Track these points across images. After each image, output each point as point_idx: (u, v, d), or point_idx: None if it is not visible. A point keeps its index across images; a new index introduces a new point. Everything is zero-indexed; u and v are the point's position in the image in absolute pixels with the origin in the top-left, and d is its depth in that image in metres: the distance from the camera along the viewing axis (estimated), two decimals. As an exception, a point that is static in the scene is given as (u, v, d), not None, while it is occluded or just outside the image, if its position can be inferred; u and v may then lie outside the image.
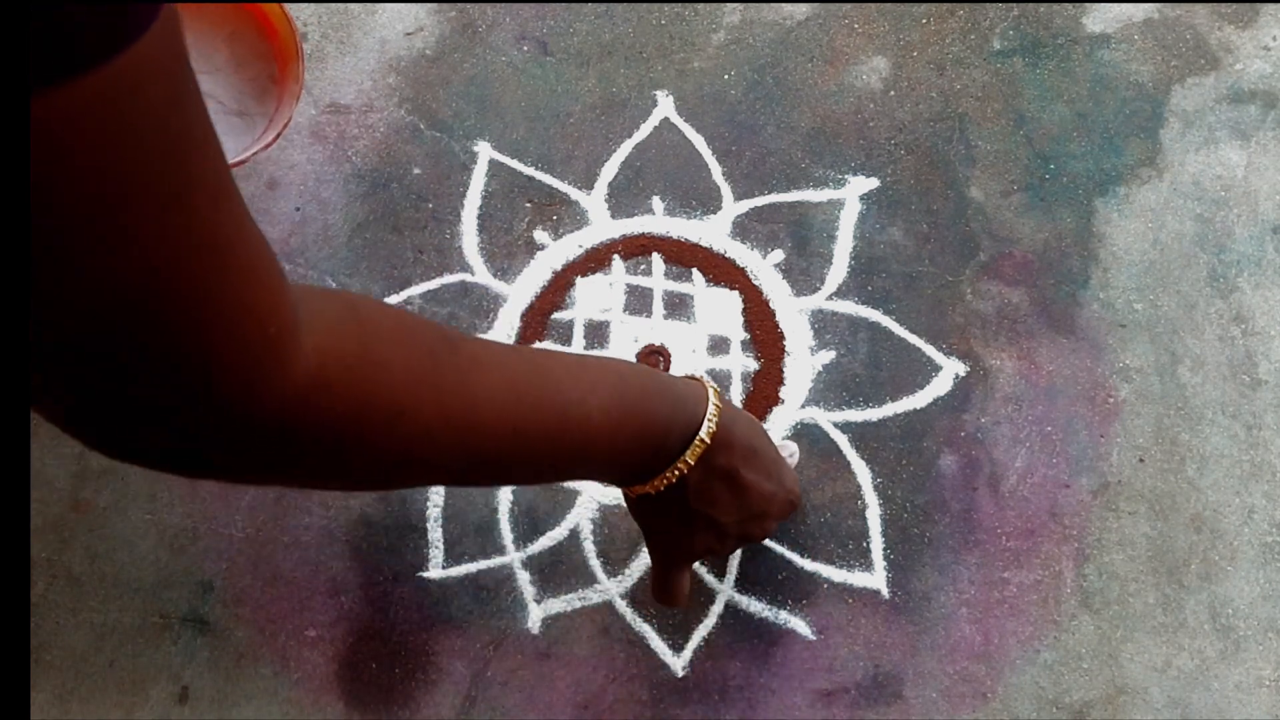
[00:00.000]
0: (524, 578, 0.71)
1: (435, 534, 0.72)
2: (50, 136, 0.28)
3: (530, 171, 0.79)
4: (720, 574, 0.70)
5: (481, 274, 0.77)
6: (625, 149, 0.79)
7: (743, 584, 0.70)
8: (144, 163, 0.30)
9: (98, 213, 0.30)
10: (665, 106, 0.80)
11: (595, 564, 0.71)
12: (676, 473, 0.53)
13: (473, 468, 0.47)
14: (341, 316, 0.40)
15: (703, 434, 0.53)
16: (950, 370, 0.73)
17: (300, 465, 0.41)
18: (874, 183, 0.77)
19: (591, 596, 0.70)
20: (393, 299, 0.77)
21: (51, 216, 0.29)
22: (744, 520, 0.57)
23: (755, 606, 0.69)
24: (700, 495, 0.54)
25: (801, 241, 0.77)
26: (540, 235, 0.78)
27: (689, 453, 0.52)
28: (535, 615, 0.70)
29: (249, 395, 0.36)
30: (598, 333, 0.76)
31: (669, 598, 0.61)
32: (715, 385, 0.56)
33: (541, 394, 0.47)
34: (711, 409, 0.53)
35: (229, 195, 0.34)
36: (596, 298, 0.76)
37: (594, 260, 0.77)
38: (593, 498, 0.72)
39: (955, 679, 0.67)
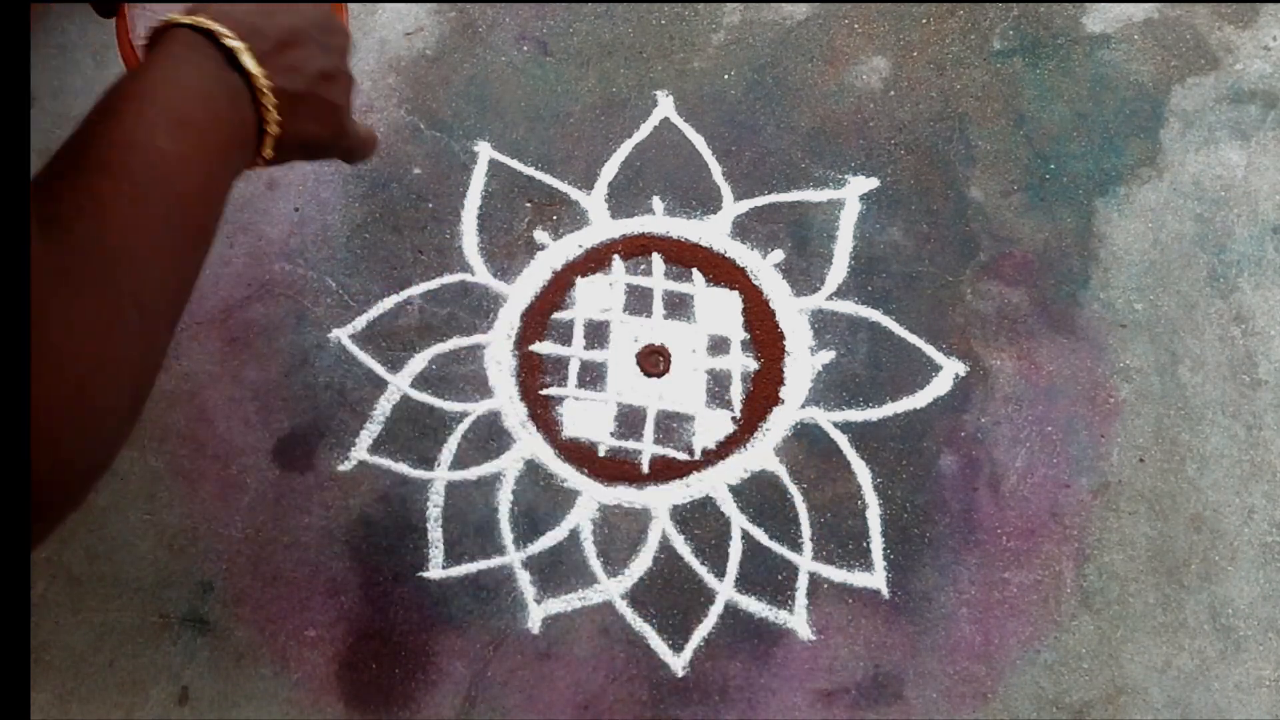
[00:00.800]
0: (524, 578, 0.71)
1: (435, 534, 0.72)
2: None
3: (530, 171, 0.79)
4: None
5: (481, 274, 0.77)
6: (625, 149, 0.79)
7: (743, 584, 0.70)
8: None
9: None
10: (665, 106, 0.80)
11: (595, 564, 0.71)
12: (265, 88, 0.48)
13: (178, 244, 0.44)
14: None
15: (230, 43, 0.47)
16: (950, 370, 0.73)
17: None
18: (874, 183, 0.77)
19: (591, 596, 0.70)
20: (392, 299, 0.77)
21: None
22: (328, 47, 0.52)
23: (755, 606, 0.69)
24: (290, 76, 0.49)
25: (801, 241, 0.77)
26: (540, 235, 0.78)
27: (246, 64, 0.47)
28: (535, 615, 0.70)
29: None
30: (598, 332, 0.76)
31: (367, 144, 0.56)
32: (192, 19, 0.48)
33: (135, 151, 0.44)
34: (207, 25, 0.47)
35: None
36: (596, 297, 0.76)
37: (594, 260, 0.77)
38: (593, 498, 0.72)
39: (955, 679, 0.67)
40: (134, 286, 0.43)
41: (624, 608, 0.70)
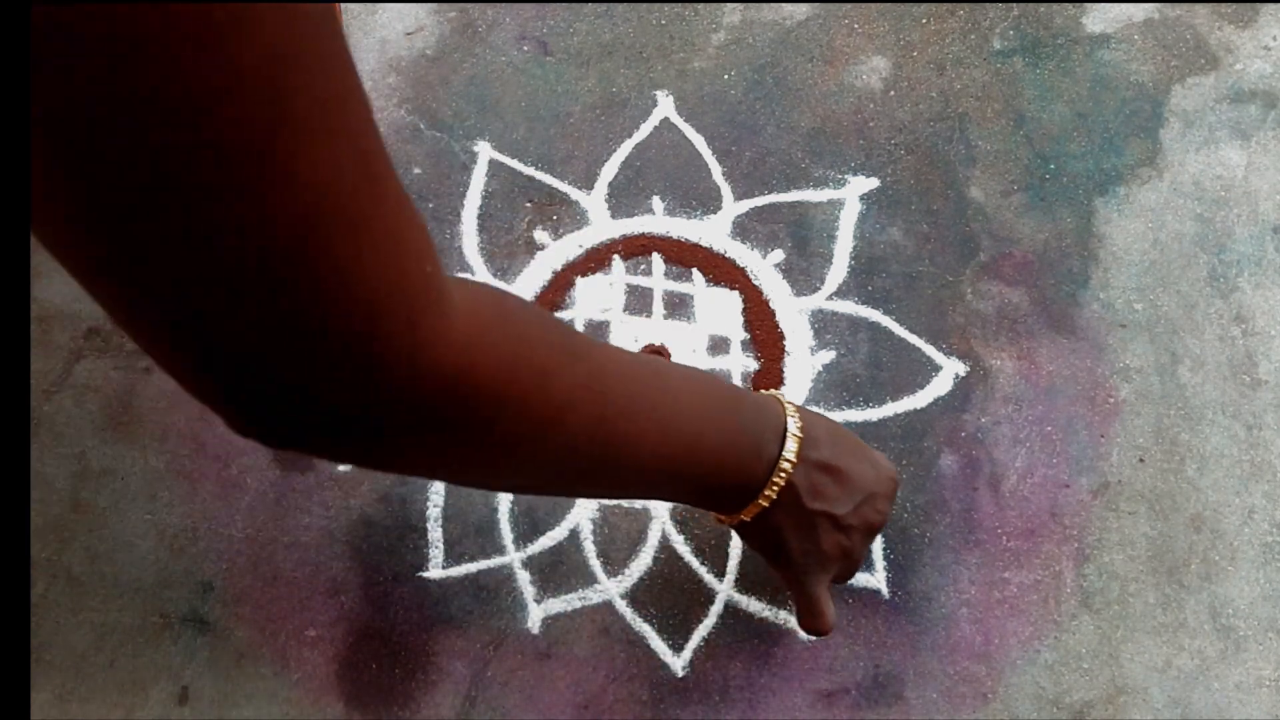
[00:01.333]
0: (524, 578, 0.71)
1: (435, 534, 0.72)
2: (222, 59, 0.27)
3: (530, 171, 0.79)
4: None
5: (482, 274, 0.77)
6: (625, 149, 0.79)
7: (743, 584, 0.70)
8: (314, 88, 0.29)
9: (266, 141, 0.29)
10: (665, 106, 0.80)
11: (595, 564, 0.71)
12: (782, 474, 0.53)
13: (597, 457, 0.46)
14: (470, 281, 0.40)
15: (793, 429, 0.53)
16: (950, 370, 0.73)
17: (447, 432, 0.39)
18: (874, 183, 0.77)
19: (591, 596, 0.70)
20: (393, 299, 0.77)
21: (217, 147, 0.28)
22: (859, 507, 0.56)
23: (755, 606, 0.69)
24: (811, 493, 0.54)
25: (801, 241, 0.77)
26: (540, 235, 0.78)
27: (786, 451, 0.53)
28: (535, 615, 0.70)
29: (413, 336, 0.35)
30: (598, 333, 0.76)
31: (820, 620, 0.59)
32: (777, 392, 0.57)
33: (653, 371, 0.49)
34: (788, 407, 0.55)
35: (378, 134, 0.33)
36: (597, 298, 0.76)
37: (594, 260, 0.77)
38: (593, 498, 0.72)
39: (955, 679, 0.67)
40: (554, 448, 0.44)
41: (624, 608, 0.70)
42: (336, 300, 0.33)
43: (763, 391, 0.56)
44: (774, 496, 0.53)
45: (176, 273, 0.30)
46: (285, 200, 0.30)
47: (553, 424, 0.42)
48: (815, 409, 0.73)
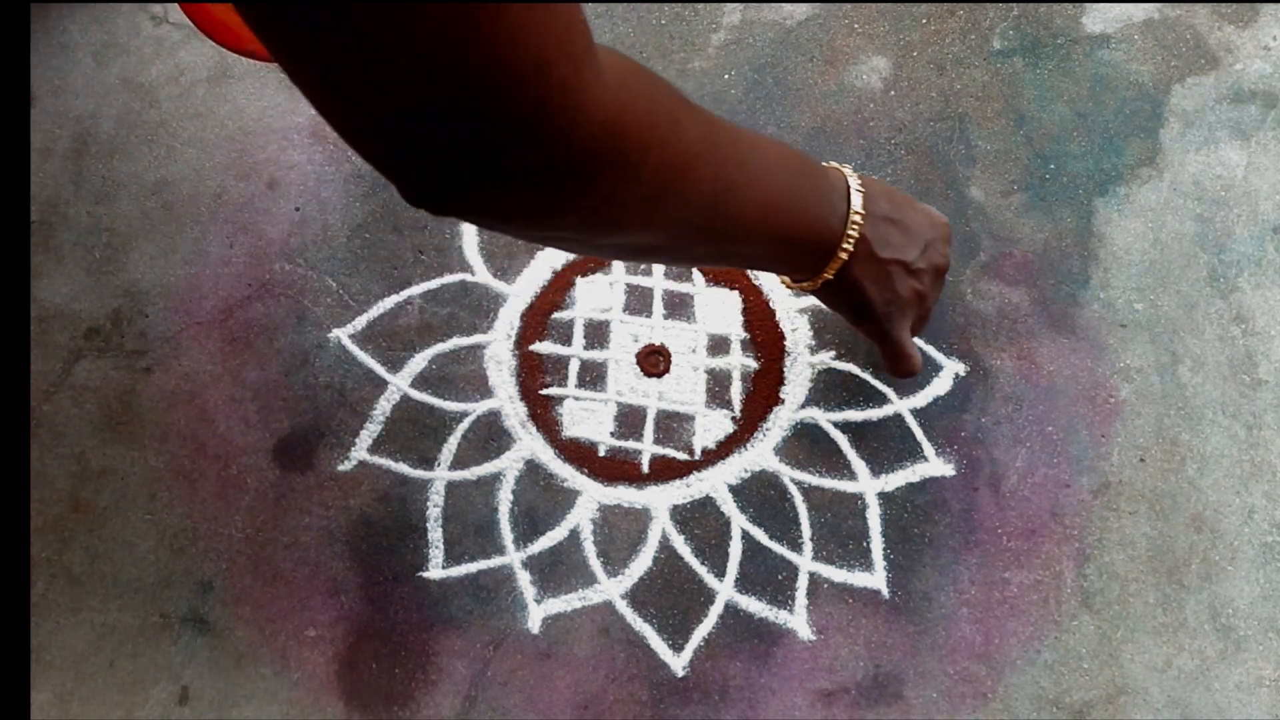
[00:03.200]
0: (524, 578, 0.71)
1: (435, 534, 0.72)
2: None
3: (530, 171, 0.79)
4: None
5: (481, 274, 0.77)
6: (625, 149, 0.79)
7: (743, 584, 0.70)
8: None
9: None
10: (665, 106, 0.80)
11: (595, 564, 0.71)
12: (855, 226, 0.57)
13: (713, 210, 0.49)
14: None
15: (855, 185, 0.57)
16: (950, 370, 0.73)
17: (603, 177, 0.41)
18: (874, 183, 0.77)
19: (591, 596, 0.70)
20: (392, 299, 0.77)
21: None
22: (925, 251, 0.61)
23: (755, 606, 0.69)
24: (882, 243, 0.58)
25: (801, 241, 0.77)
26: (540, 235, 0.78)
27: (855, 206, 0.57)
28: (535, 615, 0.70)
29: (577, 80, 0.37)
30: (598, 332, 0.76)
31: (910, 362, 0.63)
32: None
33: (755, 137, 0.52)
34: (846, 169, 0.58)
35: None
36: (596, 297, 0.76)
37: (594, 260, 0.77)
38: (593, 498, 0.72)
39: (955, 679, 0.67)
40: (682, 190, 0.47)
41: (624, 608, 0.70)
42: (512, 44, 0.35)
43: (826, 163, 0.59)
44: (851, 248, 0.57)
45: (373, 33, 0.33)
46: None
47: (685, 169, 0.45)
48: (814, 409, 0.73)
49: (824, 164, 0.59)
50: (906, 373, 0.64)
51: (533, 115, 0.37)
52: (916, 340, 0.74)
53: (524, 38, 0.35)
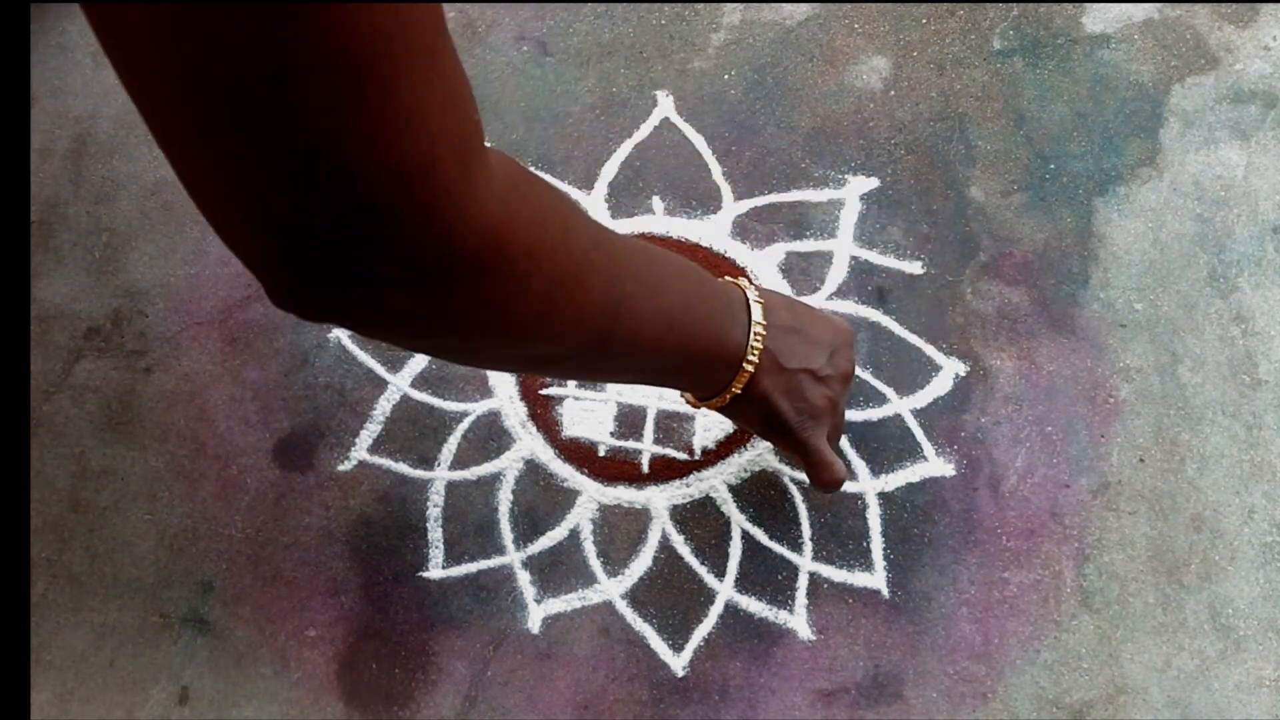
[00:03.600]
0: (524, 578, 0.71)
1: (435, 534, 0.72)
2: None
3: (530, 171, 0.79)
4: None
5: (481, 274, 0.77)
6: (625, 149, 0.79)
7: (743, 584, 0.70)
8: None
9: None
10: (665, 106, 0.80)
11: (595, 564, 0.71)
12: (759, 338, 0.56)
13: (606, 323, 0.48)
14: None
15: (754, 298, 0.57)
16: (950, 370, 0.73)
17: (486, 285, 0.40)
18: (874, 182, 0.77)
19: (591, 596, 0.70)
20: (393, 299, 0.77)
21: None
22: (830, 357, 0.60)
23: (755, 606, 0.69)
24: (787, 354, 0.58)
25: (801, 241, 0.77)
26: (540, 235, 0.78)
27: (755, 318, 0.57)
28: (535, 615, 0.70)
29: (466, 179, 0.36)
30: (598, 333, 0.76)
31: (832, 469, 0.62)
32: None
33: (653, 252, 0.52)
34: (743, 281, 0.58)
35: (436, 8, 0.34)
36: (596, 298, 0.76)
37: (594, 260, 0.77)
38: (592, 498, 0.72)
39: (955, 679, 0.67)
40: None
41: (624, 608, 0.70)
42: (400, 137, 0.33)
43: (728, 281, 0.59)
44: (756, 360, 0.56)
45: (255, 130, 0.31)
46: (354, 34, 0.30)
47: (577, 280, 0.44)
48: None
49: (722, 280, 0.59)
50: (831, 483, 0.62)
51: (416, 215, 0.35)
52: (918, 342, 0.74)
53: (414, 131, 0.33)
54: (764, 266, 0.76)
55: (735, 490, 0.72)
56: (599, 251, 0.46)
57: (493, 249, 0.38)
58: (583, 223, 0.46)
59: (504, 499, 0.72)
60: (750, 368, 0.56)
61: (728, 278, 0.59)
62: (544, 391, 0.75)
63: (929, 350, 0.74)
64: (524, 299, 0.42)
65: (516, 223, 0.39)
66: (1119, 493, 0.70)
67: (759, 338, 0.56)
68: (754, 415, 0.60)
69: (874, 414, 0.73)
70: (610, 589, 0.70)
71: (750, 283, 0.59)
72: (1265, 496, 0.69)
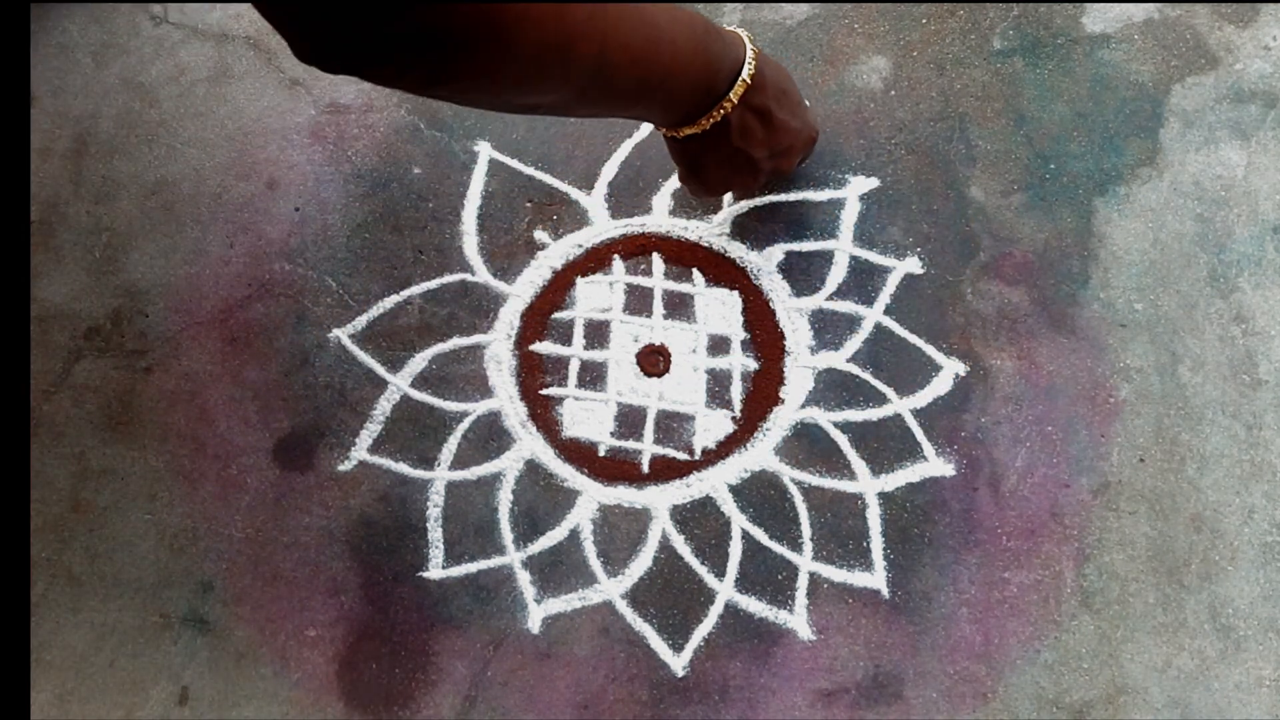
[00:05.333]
0: (524, 578, 0.71)
1: (435, 534, 0.72)
2: None
3: (530, 171, 0.79)
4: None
5: (482, 273, 0.77)
6: (625, 149, 0.79)
7: (743, 584, 0.70)
8: None
9: None
10: (665, 106, 0.80)
11: (595, 564, 0.71)
12: (721, 111, 0.59)
13: (599, 72, 0.51)
14: None
15: (744, 75, 0.59)
16: (950, 370, 0.73)
17: (474, 52, 0.45)
18: (874, 182, 0.77)
19: (591, 596, 0.70)
20: (392, 299, 0.77)
21: None
22: (774, 155, 0.65)
23: (755, 606, 0.69)
24: (741, 133, 0.61)
25: (801, 242, 0.77)
26: (540, 235, 0.78)
27: (733, 91, 0.59)
28: (535, 615, 0.70)
29: None
30: (598, 332, 0.76)
31: (706, 198, 0.70)
32: (749, 34, 0.62)
33: (645, 8, 0.53)
34: (750, 53, 0.60)
35: None
36: (597, 297, 0.76)
37: (594, 260, 0.77)
38: (592, 498, 0.72)
39: (955, 679, 0.67)
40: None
41: (624, 608, 0.70)
42: None
43: (734, 31, 0.61)
44: (706, 126, 0.60)
45: None
46: None
47: (563, 49, 0.48)
48: (814, 409, 0.73)
49: (738, 37, 0.61)
50: (709, 201, 0.70)
51: None
52: (918, 342, 0.74)
53: None
54: (764, 266, 0.76)
55: (735, 490, 0.72)
56: (592, 24, 0.49)
57: (481, 19, 0.43)
58: None
59: (504, 499, 0.72)
60: (698, 130, 0.60)
61: (744, 35, 0.61)
62: (544, 392, 0.75)
63: (929, 350, 0.74)
64: (515, 62, 0.47)
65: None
66: (1119, 493, 0.70)
67: (721, 111, 0.59)
68: (684, 159, 0.64)
69: (874, 414, 0.73)
70: (610, 589, 0.70)
71: (756, 53, 0.60)
72: (1265, 496, 0.69)
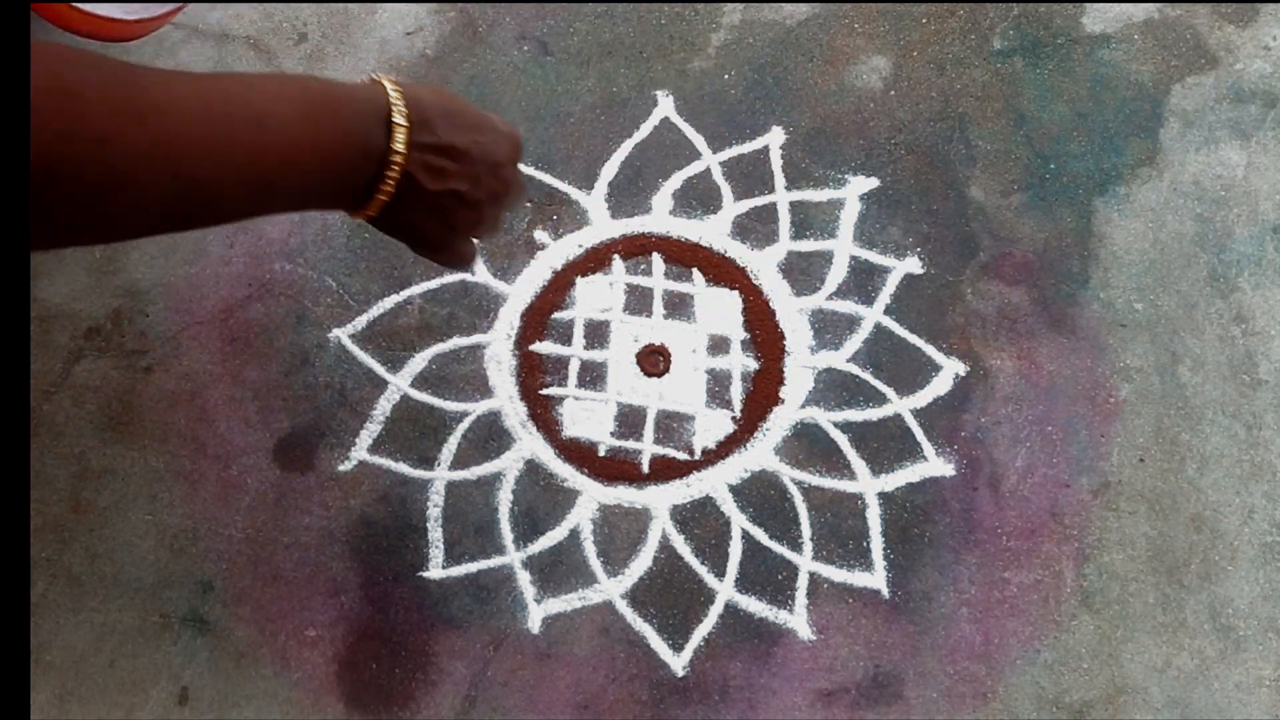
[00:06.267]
0: (524, 578, 0.71)
1: (435, 534, 0.72)
2: None
3: (530, 171, 0.79)
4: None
5: (481, 273, 0.77)
6: (625, 148, 0.79)
7: (743, 584, 0.70)
8: None
9: None
10: (665, 106, 0.80)
11: (595, 564, 0.71)
12: (395, 165, 0.51)
13: (185, 199, 0.45)
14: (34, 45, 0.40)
15: (397, 119, 0.51)
16: (950, 370, 0.73)
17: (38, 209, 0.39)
18: (874, 182, 0.77)
19: (591, 596, 0.70)
20: (392, 299, 0.77)
21: None
22: (482, 180, 0.55)
23: (755, 606, 0.69)
24: (431, 176, 0.52)
25: (801, 241, 0.77)
26: (540, 235, 0.78)
27: (395, 141, 0.51)
28: (535, 615, 0.70)
29: None
30: (598, 332, 0.76)
31: (461, 263, 0.60)
32: (386, 75, 0.54)
33: (233, 106, 0.46)
34: (392, 92, 0.51)
35: None
36: (596, 297, 0.76)
37: (594, 260, 0.77)
38: (593, 498, 0.72)
39: (955, 679, 0.67)
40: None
41: (624, 608, 0.70)
42: None
43: (370, 80, 0.53)
44: (391, 189, 0.51)
45: None
46: None
47: (121, 187, 0.42)
48: (814, 409, 0.73)
49: (374, 86, 0.52)
50: (461, 267, 0.62)
51: None
52: (918, 342, 0.74)
53: None
54: (764, 266, 0.76)
55: (735, 490, 0.72)
56: (157, 147, 0.43)
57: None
58: (130, 123, 0.42)
59: (504, 499, 0.72)
60: (384, 196, 0.52)
61: (382, 79, 0.52)
62: (544, 392, 0.75)
63: (929, 350, 0.74)
64: (67, 213, 0.41)
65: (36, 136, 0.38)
66: (1119, 493, 0.70)
67: (396, 166, 0.51)
68: (396, 232, 0.56)
69: (874, 414, 0.73)
70: (610, 589, 0.70)
71: (400, 93, 0.52)
72: (1265, 496, 0.69)
